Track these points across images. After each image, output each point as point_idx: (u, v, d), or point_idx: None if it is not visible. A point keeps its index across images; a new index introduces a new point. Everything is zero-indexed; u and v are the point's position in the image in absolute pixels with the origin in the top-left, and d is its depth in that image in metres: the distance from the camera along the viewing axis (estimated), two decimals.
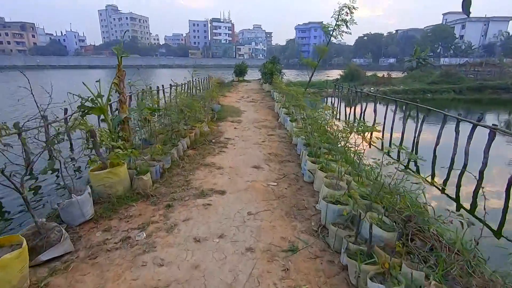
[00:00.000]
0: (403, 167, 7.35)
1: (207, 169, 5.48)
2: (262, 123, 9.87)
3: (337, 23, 12.83)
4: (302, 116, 8.30)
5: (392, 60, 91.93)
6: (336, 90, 25.65)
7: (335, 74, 50.95)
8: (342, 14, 12.74)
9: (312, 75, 14.03)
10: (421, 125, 12.67)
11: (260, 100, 15.81)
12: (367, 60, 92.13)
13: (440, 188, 7.71)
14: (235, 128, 9.08)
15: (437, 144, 11.48)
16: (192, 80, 10.48)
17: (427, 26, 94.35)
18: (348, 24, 12.66)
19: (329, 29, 13.02)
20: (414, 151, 12.01)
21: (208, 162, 5.81)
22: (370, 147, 9.97)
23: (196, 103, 7.74)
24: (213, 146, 6.99)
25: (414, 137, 13.19)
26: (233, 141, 7.56)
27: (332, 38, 13.57)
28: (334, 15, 12.92)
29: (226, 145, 7.16)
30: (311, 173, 4.98)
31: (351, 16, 12.74)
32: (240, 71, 31.56)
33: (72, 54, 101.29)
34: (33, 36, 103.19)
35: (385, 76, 37.59)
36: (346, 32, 12.77)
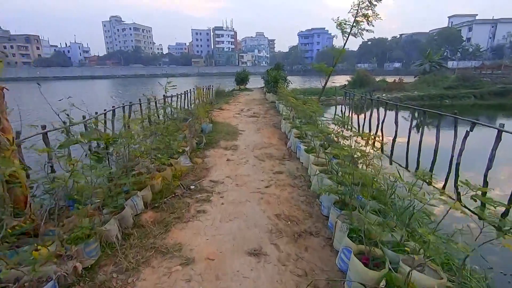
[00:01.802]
0: None
1: (164, 264, 2.95)
2: (265, 150, 7.42)
3: (356, 19, 10.39)
4: (321, 142, 5.85)
5: (397, 65, 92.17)
6: (347, 98, 23.46)
7: (340, 79, 48.39)
8: (362, 8, 10.36)
9: (326, 82, 11.62)
10: (463, 142, 10.31)
11: (263, 114, 13.24)
12: (372, 64, 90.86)
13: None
14: (228, 160, 6.62)
15: (488, 168, 9.07)
16: (166, 96, 7.87)
17: (432, 30, 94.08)
18: (370, 19, 10.23)
19: (346, 26, 10.57)
20: (455, 176, 9.79)
21: (169, 244, 3.29)
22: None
23: (169, 134, 5.32)
24: (189, 199, 4.49)
25: (451, 156, 10.81)
26: (222, 186, 5.09)
27: (335, 41, 11.34)
28: (352, 10, 10.52)
29: (210, 196, 4.67)
30: None
31: (373, 10, 10.35)
32: (242, 80, 29.27)
33: (76, 65, 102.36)
34: (38, 48, 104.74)
35: (396, 81, 35.43)
36: (367, 30, 10.31)
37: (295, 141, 7.08)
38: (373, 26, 10.31)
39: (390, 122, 14.59)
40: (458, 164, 10.27)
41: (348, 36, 10.74)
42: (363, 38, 10.48)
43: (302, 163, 6.32)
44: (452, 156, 10.96)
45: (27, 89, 43.95)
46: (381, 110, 15.89)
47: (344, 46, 11.00)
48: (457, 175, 9.96)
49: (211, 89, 25.89)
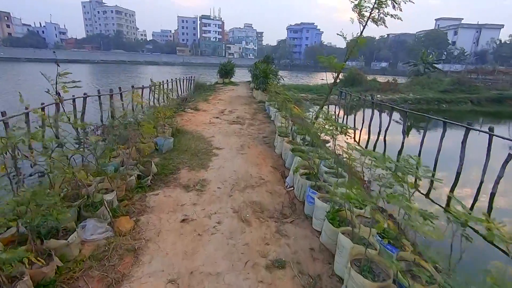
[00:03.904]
0: None
1: None
2: (252, 195, 4.51)
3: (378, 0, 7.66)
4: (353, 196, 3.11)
5: (384, 64, 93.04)
6: (342, 97, 21.39)
7: (329, 76, 45.43)
8: None
9: (336, 81, 8.95)
10: (503, 168, 8.22)
11: (250, 120, 10.36)
12: (359, 63, 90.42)
13: None
14: (184, 221, 3.65)
15: None
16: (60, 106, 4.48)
17: (419, 31, 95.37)
18: (397, 1, 7.52)
19: (365, 8, 7.81)
20: (488, 207, 7.46)
21: None
22: None
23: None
24: None
25: (481, 182, 8.32)
26: None
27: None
28: None
29: None
30: None
31: None
32: (226, 72, 26.00)
33: (51, 47, 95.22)
34: (8, 26, 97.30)
35: (390, 81, 34.07)
36: (392, 16, 7.59)
37: (302, 183, 4.22)
38: (400, 10, 7.58)
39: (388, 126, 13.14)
40: (493, 195, 8.08)
41: (367, 21, 7.97)
42: (386, 26, 7.71)
43: (320, 234, 3.39)
44: (481, 182, 8.76)
45: None
46: (375, 112, 14.53)
47: (361, 34, 8.25)
48: (490, 207, 7.91)
49: (191, 81, 22.67)
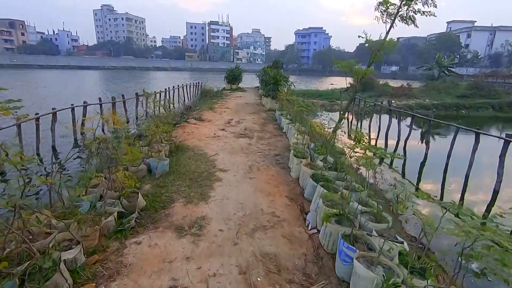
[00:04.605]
0: None
1: None
2: (264, 242, 3.43)
3: None
4: None
5: (394, 68, 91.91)
6: (356, 104, 20.47)
7: (338, 81, 44.31)
8: None
9: (357, 89, 7.93)
10: None
11: (259, 132, 9.29)
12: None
13: None
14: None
15: None
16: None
17: (430, 35, 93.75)
18: None
19: (392, 6, 6.79)
20: None
21: None
22: None
23: None
24: None
25: None
26: None
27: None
28: None
29: None
30: None
31: None
32: (233, 78, 25.16)
33: (64, 54, 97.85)
34: (23, 34, 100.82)
35: (404, 86, 32.97)
36: (424, 13, 6.54)
37: (330, 229, 3.14)
38: (434, 6, 6.51)
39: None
40: None
41: (394, 21, 6.95)
42: (416, 26, 6.66)
43: None
44: None
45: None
46: (387, 118, 13.89)
47: (387, 35, 7.20)
48: None
49: (198, 86, 21.97)
